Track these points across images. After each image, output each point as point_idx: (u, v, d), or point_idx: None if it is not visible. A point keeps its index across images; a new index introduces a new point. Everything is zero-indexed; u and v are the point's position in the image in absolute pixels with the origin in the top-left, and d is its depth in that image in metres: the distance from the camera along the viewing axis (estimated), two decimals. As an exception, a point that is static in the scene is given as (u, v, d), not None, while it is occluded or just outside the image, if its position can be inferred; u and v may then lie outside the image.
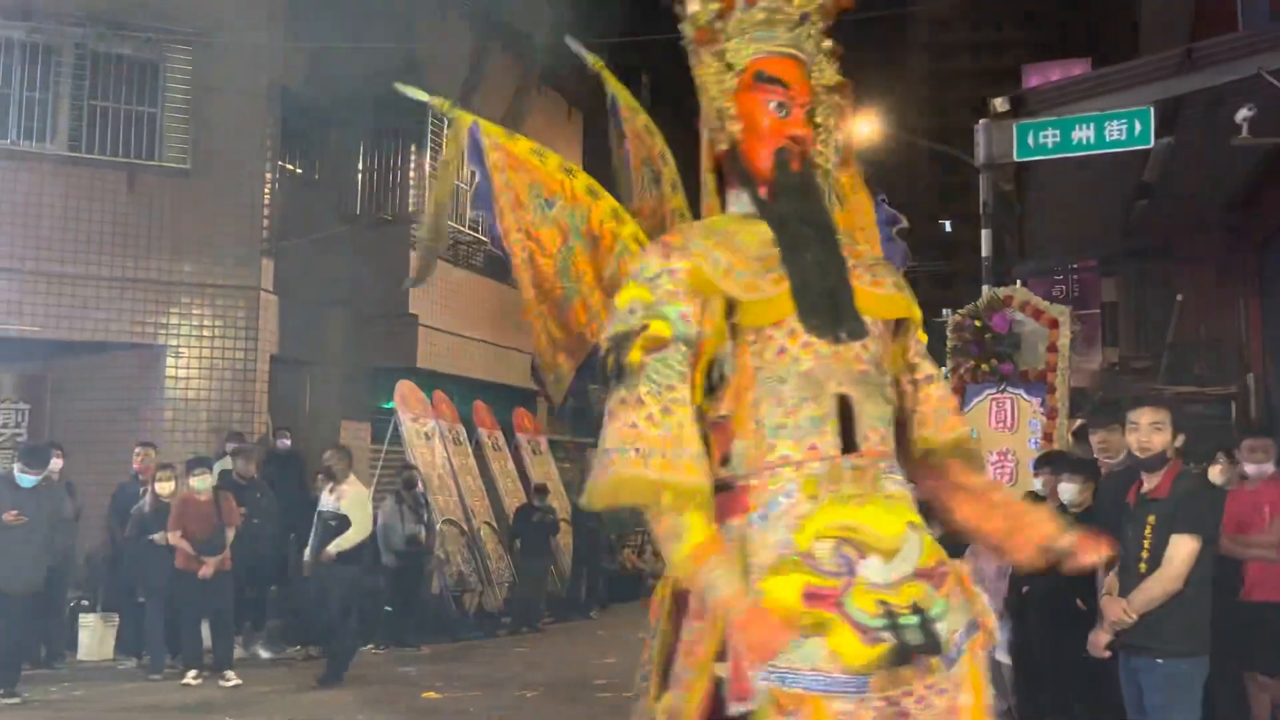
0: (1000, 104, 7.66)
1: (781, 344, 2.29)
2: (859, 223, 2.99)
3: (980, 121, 7.80)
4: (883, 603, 2.14)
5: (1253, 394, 10.81)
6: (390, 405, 12.38)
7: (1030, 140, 7.51)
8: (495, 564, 12.40)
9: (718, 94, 2.46)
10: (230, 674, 8.21)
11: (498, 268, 15.38)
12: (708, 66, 2.49)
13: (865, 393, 2.31)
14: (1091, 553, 2.35)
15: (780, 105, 2.42)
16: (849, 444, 2.27)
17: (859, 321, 2.34)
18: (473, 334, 14.68)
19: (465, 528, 12.31)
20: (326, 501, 8.47)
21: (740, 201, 2.50)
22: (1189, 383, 10.89)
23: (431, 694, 8.04)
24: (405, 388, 12.42)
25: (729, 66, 2.46)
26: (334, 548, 8.21)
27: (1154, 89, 7.55)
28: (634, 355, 2.26)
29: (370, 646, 10.23)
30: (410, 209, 13.35)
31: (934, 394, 2.51)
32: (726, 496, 2.27)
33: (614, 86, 2.99)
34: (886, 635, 2.11)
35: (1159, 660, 3.77)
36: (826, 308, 2.31)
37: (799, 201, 2.40)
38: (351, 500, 8.40)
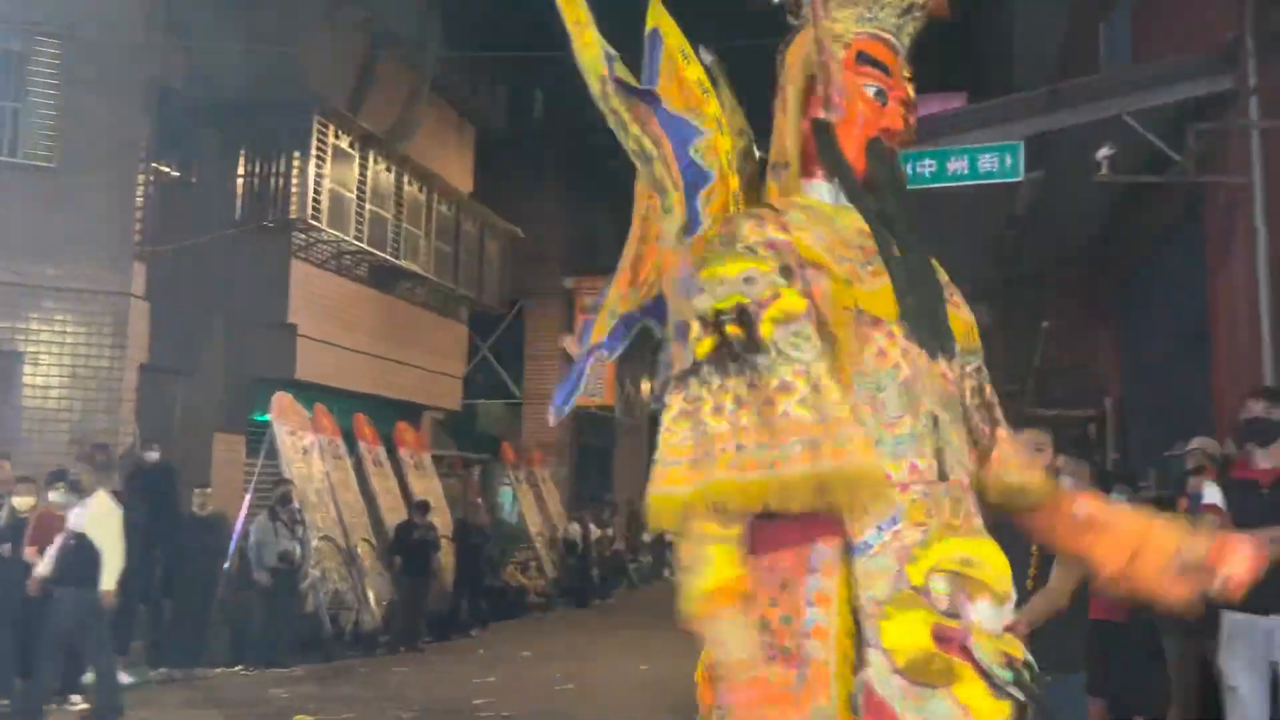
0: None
1: (881, 346, 2.03)
2: None
3: (862, 150, 8.02)
4: (1004, 654, 1.88)
5: (1109, 417, 11.38)
6: (266, 418, 12.00)
7: (909, 170, 7.77)
8: (374, 582, 12.13)
9: (837, 67, 2.16)
10: (76, 698, 7.79)
11: (383, 278, 15.14)
12: (824, 31, 2.17)
13: (952, 416, 2.07)
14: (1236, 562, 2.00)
15: (879, 93, 2.18)
16: (940, 470, 2.01)
17: (952, 339, 2.12)
18: (355, 346, 14.37)
19: (343, 544, 12.01)
20: (71, 517, 7.51)
21: (818, 191, 2.21)
22: (1053, 406, 11.40)
23: (304, 717, 7.79)
24: (283, 400, 12.07)
25: (835, 37, 2.19)
26: (106, 585, 7.29)
27: (1024, 125, 7.90)
28: (766, 329, 1.92)
29: (239, 668, 9.88)
30: (292, 215, 13.01)
31: (1007, 435, 2.25)
32: (813, 514, 1.96)
33: (666, 26, 2.50)
34: (1014, 691, 1.85)
35: (1047, 677, 3.89)
36: (929, 316, 2.08)
37: (896, 199, 2.16)
38: (93, 518, 7.43)
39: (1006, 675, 1.83)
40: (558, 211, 21.09)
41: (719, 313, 1.95)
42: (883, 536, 1.92)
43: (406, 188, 15.45)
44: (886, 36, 2.21)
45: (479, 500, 15.44)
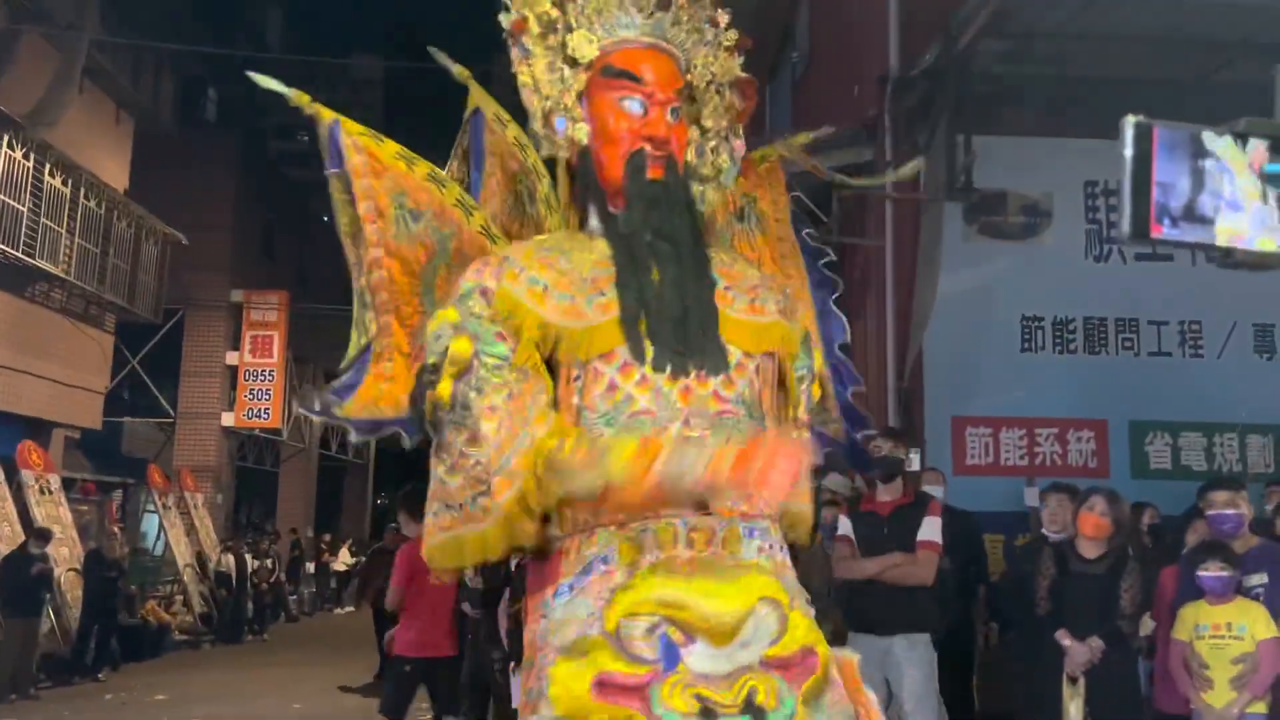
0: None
1: (611, 379, 1.95)
2: (785, 252, 2.62)
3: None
4: (702, 698, 1.75)
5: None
6: None
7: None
8: (-23, 622, 10.63)
9: (554, 93, 2.11)
10: None
11: (12, 278, 13.43)
12: (537, 62, 2.12)
13: (729, 433, 1.95)
14: None
15: (636, 103, 2.10)
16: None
17: (718, 353, 2.01)
18: (-29, 352, 12.64)
19: (-60, 580, 10.44)
20: None
21: (593, 218, 2.17)
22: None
23: None
24: None
25: (573, 62, 2.12)
26: None
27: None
28: (443, 387, 1.90)
29: None
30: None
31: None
32: (542, 564, 1.93)
33: (481, 98, 2.50)
34: None
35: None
36: (671, 336, 1.98)
37: (652, 212, 2.07)
38: None
39: None
40: (227, 219, 19.71)
41: (424, 370, 1.97)
42: (586, 579, 1.87)
43: (47, 179, 13.84)
44: (646, 41, 2.15)
45: (117, 529, 14.01)
